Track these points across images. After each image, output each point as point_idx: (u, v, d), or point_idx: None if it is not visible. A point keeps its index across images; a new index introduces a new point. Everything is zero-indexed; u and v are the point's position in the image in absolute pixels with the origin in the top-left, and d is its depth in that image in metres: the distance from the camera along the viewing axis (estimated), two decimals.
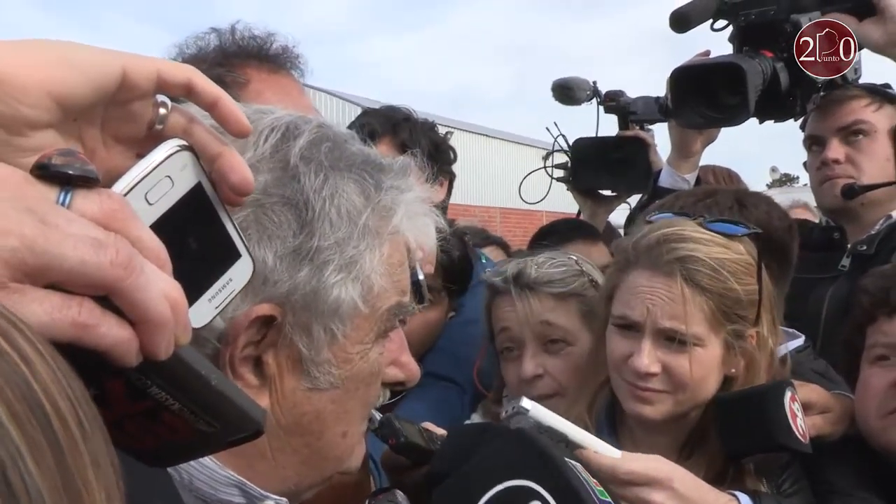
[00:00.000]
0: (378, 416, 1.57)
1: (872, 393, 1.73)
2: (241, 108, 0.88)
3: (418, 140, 2.67)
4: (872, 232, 2.52)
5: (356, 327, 0.94)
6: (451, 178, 2.85)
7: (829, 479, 1.70)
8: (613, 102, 3.12)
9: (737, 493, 1.55)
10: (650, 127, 3.18)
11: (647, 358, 1.64)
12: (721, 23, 2.47)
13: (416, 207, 0.99)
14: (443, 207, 2.87)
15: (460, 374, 2.28)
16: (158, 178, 0.68)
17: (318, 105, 1.87)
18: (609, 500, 1.04)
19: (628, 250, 1.73)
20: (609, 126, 3.22)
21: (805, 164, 2.82)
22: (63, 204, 0.56)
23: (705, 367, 1.65)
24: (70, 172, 0.57)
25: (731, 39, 2.50)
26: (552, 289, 1.97)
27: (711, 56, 2.49)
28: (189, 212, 0.70)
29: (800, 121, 2.69)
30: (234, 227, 0.78)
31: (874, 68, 2.53)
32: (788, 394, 1.61)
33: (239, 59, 1.73)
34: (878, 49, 2.27)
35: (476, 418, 2.15)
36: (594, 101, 3.14)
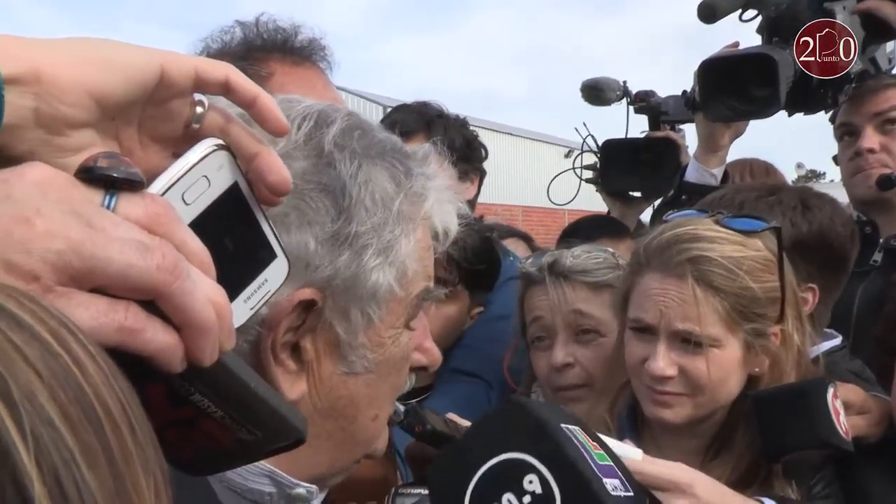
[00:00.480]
0: (402, 408, 1.56)
1: None
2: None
3: (452, 137, 2.67)
4: None
5: (390, 311, 0.95)
6: (482, 175, 2.85)
7: (864, 485, 1.65)
8: (644, 103, 3.10)
9: (763, 499, 1.51)
10: (681, 127, 3.14)
11: (663, 361, 1.61)
12: (750, 13, 2.42)
13: (442, 194, 1.00)
14: (472, 204, 2.87)
15: (486, 371, 2.27)
16: (195, 178, 0.67)
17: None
18: (610, 462, 1.02)
19: (640, 252, 1.70)
20: (638, 126, 3.20)
21: (834, 157, 2.76)
22: (108, 207, 0.56)
23: (724, 368, 1.61)
24: (115, 175, 0.57)
25: (759, 30, 2.45)
26: (587, 278, 1.97)
27: (740, 48, 2.45)
28: (225, 212, 0.70)
29: (829, 114, 2.64)
30: (270, 226, 0.77)
31: None
32: (831, 391, 1.56)
33: (263, 51, 1.72)
34: None
35: None
36: (624, 101, 3.11)
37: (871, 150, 2.46)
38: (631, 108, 3.13)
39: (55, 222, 0.52)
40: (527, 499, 0.97)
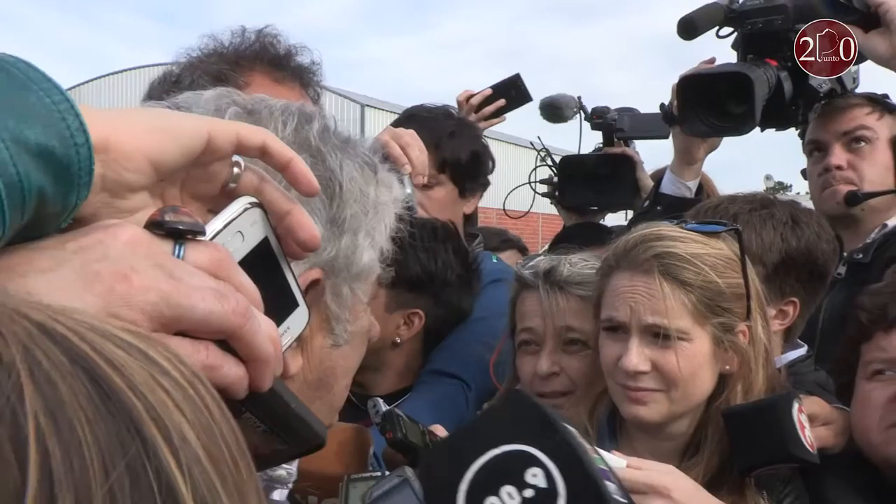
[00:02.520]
0: (384, 407, 1.58)
1: (873, 407, 1.73)
2: (250, 100, 0.97)
3: (458, 156, 2.65)
4: (868, 240, 2.54)
5: (366, 288, 1.04)
6: (485, 188, 2.83)
7: (830, 497, 1.70)
8: (600, 119, 3.20)
9: None
10: (633, 143, 3.26)
11: (636, 357, 1.65)
12: (726, 30, 2.48)
13: (400, 180, 1.11)
14: (469, 219, 2.88)
15: (466, 372, 2.28)
16: (232, 233, 0.72)
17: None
18: (606, 467, 1.01)
19: (609, 256, 1.76)
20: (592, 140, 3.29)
21: (803, 171, 2.84)
22: (178, 256, 0.63)
23: (694, 361, 1.66)
24: (181, 228, 0.64)
25: (734, 46, 2.50)
26: (581, 291, 1.96)
27: (717, 64, 2.51)
28: (256, 264, 0.75)
29: (798, 130, 2.71)
30: (294, 278, 0.83)
31: (871, 78, 2.56)
32: (796, 405, 1.62)
33: (250, 61, 1.75)
34: (884, 61, 2.29)
35: None
36: (578, 116, 3.23)
37: (839, 167, 2.53)
38: (587, 124, 3.23)
39: (147, 277, 0.59)
40: (528, 492, 0.94)
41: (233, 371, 0.64)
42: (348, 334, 1.02)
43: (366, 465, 1.57)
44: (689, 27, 2.34)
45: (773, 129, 2.61)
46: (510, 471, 0.95)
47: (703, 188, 2.80)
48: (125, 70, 29.55)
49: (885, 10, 2.24)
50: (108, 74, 32.14)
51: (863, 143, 2.55)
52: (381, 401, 1.61)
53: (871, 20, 2.27)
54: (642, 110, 3.24)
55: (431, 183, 2.59)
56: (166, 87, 1.70)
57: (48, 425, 0.40)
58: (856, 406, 1.80)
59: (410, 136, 2.10)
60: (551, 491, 0.93)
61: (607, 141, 3.24)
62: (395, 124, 2.62)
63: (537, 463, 0.95)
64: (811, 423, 1.70)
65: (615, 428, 1.81)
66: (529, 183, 3.36)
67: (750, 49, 2.44)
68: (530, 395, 1.14)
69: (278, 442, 0.75)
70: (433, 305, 2.29)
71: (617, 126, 3.17)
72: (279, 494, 1.04)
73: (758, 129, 2.48)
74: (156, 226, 0.63)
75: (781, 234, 1.97)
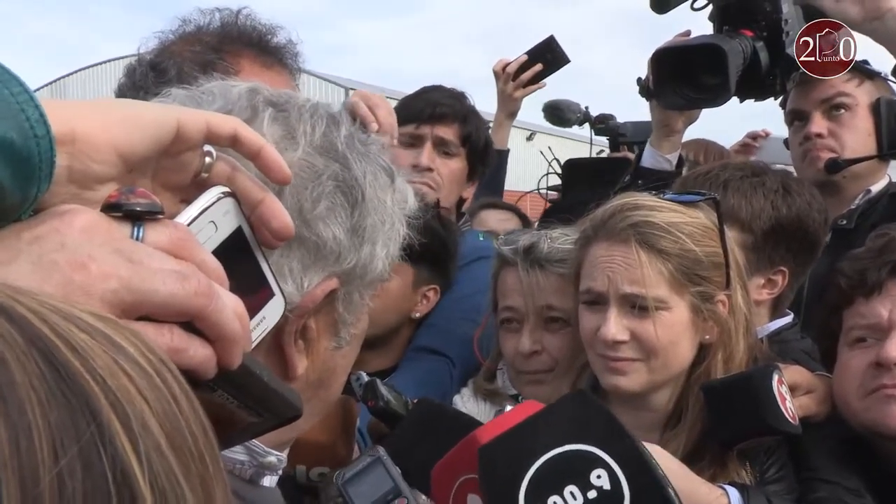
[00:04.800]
0: (366, 378, 1.59)
1: (852, 374, 1.74)
2: (278, 96, 0.95)
3: (479, 137, 2.72)
4: (852, 207, 2.55)
5: (373, 293, 1.04)
6: (483, 178, 2.91)
7: (812, 465, 1.71)
8: (603, 125, 3.25)
9: (726, 486, 1.56)
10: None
11: (614, 326, 1.65)
12: (700, 2, 2.48)
13: (408, 183, 1.08)
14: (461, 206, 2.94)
15: (451, 349, 2.30)
16: (204, 223, 0.72)
17: (301, 87, 1.88)
18: (664, 473, 1.00)
19: (587, 227, 1.76)
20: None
21: (785, 141, 2.85)
22: (137, 238, 0.62)
23: (673, 330, 1.66)
24: (139, 209, 0.63)
25: (711, 18, 2.50)
26: (561, 269, 1.94)
27: (692, 36, 2.50)
28: (230, 254, 0.74)
29: (779, 99, 2.71)
30: (269, 267, 0.82)
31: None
32: (776, 377, 1.62)
33: (236, 46, 1.73)
34: (856, 25, 2.29)
35: (466, 393, 2.16)
36: (586, 125, 3.33)
37: (820, 135, 2.54)
38: (592, 130, 3.35)
39: (106, 264, 0.59)
40: (592, 493, 0.94)
41: (199, 352, 0.63)
42: (350, 336, 1.03)
43: (352, 436, 1.58)
44: (662, 1, 2.33)
45: (753, 100, 2.60)
46: (574, 471, 0.95)
47: (684, 160, 2.80)
48: (108, 61, 29.35)
49: None
50: (91, 66, 31.95)
51: (843, 111, 2.55)
52: (363, 373, 1.62)
53: None
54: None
55: (453, 151, 2.68)
56: (153, 78, 1.67)
57: None
58: (836, 373, 1.81)
59: (379, 98, 2.13)
60: (616, 494, 0.94)
61: (613, 146, 3.32)
62: (418, 96, 2.71)
63: (603, 465, 0.95)
64: (793, 392, 1.71)
65: None
66: (538, 190, 3.49)
67: (725, 20, 2.43)
68: (595, 398, 1.11)
69: (254, 416, 0.75)
70: (444, 279, 2.35)
71: (620, 131, 3.24)
72: (269, 481, 1.04)
73: (736, 99, 2.48)
74: (113, 208, 0.62)
75: (772, 202, 1.97)
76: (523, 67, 3.09)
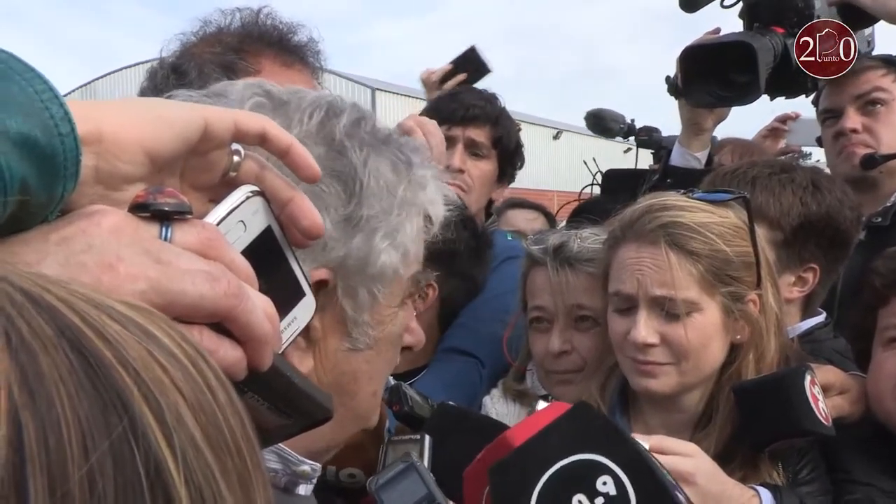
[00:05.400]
0: (391, 381, 1.59)
1: (886, 374, 1.72)
2: (285, 92, 0.95)
3: (511, 139, 2.75)
4: (888, 204, 2.51)
5: (392, 291, 1.01)
6: (511, 181, 2.92)
7: (846, 467, 1.69)
8: (646, 137, 3.34)
9: (758, 487, 1.55)
10: None
11: (644, 329, 1.64)
12: (730, 0, 2.46)
13: (435, 183, 1.06)
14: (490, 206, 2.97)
15: (480, 350, 2.29)
16: (233, 222, 0.71)
17: (327, 87, 1.87)
18: (674, 480, 1.01)
19: (616, 227, 1.74)
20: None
21: (818, 139, 2.81)
22: (165, 238, 0.61)
23: (704, 332, 1.64)
24: (167, 209, 0.62)
25: (741, 15, 2.49)
26: (590, 268, 1.93)
27: (721, 34, 2.48)
28: (260, 254, 0.73)
29: (811, 97, 2.68)
30: (300, 267, 0.81)
31: (885, 40, 2.53)
32: (808, 378, 1.59)
33: (256, 46, 1.72)
34: (872, 9, 2.26)
35: (496, 394, 2.15)
36: (630, 138, 3.40)
37: (854, 131, 2.50)
38: (635, 140, 3.43)
39: (134, 265, 0.58)
40: (599, 500, 0.96)
41: (230, 354, 0.62)
42: (371, 339, 1.00)
43: (381, 439, 1.59)
44: (691, 0, 2.32)
45: (783, 98, 2.58)
46: (581, 479, 0.98)
47: (713, 158, 2.78)
48: (138, 63, 29.67)
49: None
50: (121, 69, 32.28)
51: (878, 106, 2.51)
52: (389, 376, 1.62)
53: None
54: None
55: (484, 153, 2.70)
56: (174, 81, 1.67)
57: (23, 398, 0.38)
58: (871, 373, 1.78)
59: (433, 125, 2.13)
60: (622, 498, 0.96)
61: (656, 158, 3.37)
62: (448, 98, 2.72)
63: (607, 471, 0.97)
64: (826, 392, 1.69)
65: (626, 402, 1.81)
66: (580, 199, 3.58)
67: (755, 17, 2.41)
68: (595, 408, 1.12)
69: (283, 417, 0.74)
70: (445, 276, 2.29)
71: (663, 144, 3.26)
72: (304, 489, 1.03)
73: (767, 97, 2.46)
74: (140, 208, 0.61)
75: (801, 199, 1.95)
76: (448, 76, 3.12)
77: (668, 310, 1.63)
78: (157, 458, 0.40)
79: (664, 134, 3.39)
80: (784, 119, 3.63)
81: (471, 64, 3.08)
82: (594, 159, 3.61)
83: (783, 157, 3.98)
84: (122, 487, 0.39)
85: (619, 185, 3.27)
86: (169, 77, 1.67)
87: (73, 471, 0.37)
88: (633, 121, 3.39)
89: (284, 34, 1.76)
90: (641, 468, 0.97)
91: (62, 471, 0.37)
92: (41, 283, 0.44)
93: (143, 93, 1.70)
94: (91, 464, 0.38)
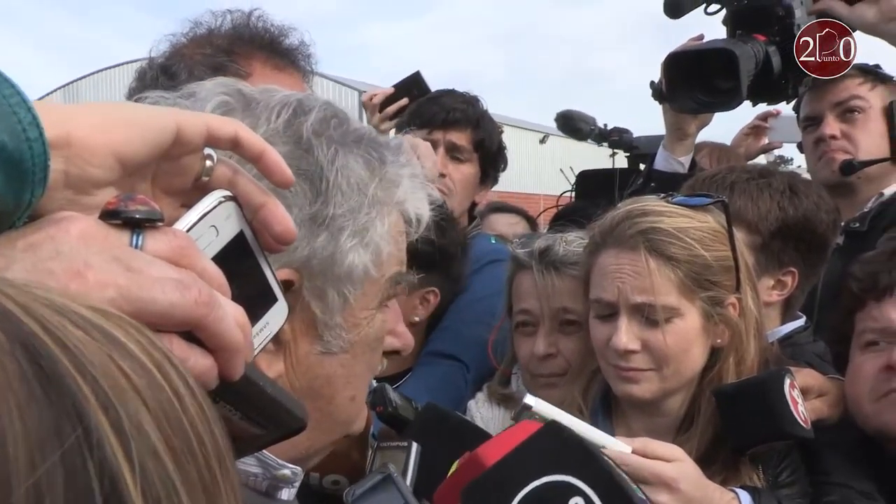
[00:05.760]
0: (374, 383, 1.59)
1: (864, 377, 1.74)
2: (256, 91, 0.94)
3: (493, 141, 2.74)
4: (865, 209, 2.55)
5: (365, 293, 0.98)
6: (494, 183, 2.91)
7: (825, 469, 1.71)
8: (618, 139, 3.36)
9: (738, 490, 1.56)
10: None
11: (625, 336, 1.65)
12: (714, 7, 2.49)
13: (415, 182, 1.04)
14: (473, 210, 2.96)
15: (465, 353, 2.29)
16: (205, 227, 0.70)
17: (316, 89, 1.86)
18: (644, 497, 1.02)
19: (596, 233, 1.75)
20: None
21: (799, 145, 2.85)
22: (136, 246, 0.60)
23: (684, 338, 1.65)
24: (138, 216, 0.61)
25: (724, 22, 2.52)
26: (576, 271, 1.93)
27: (705, 40, 2.51)
28: (232, 259, 0.73)
29: (792, 103, 2.72)
30: (272, 272, 0.80)
31: (864, 49, 2.56)
32: (788, 381, 1.61)
33: (247, 48, 1.71)
34: (871, 29, 2.29)
35: (481, 398, 2.15)
36: (604, 143, 3.44)
37: (833, 137, 2.55)
38: (605, 142, 3.45)
39: (103, 272, 0.56)
40: None
41: (200, 362, 0.60)
42: (346, 342, 0.98)
43: (366, 442, 1.59)
44: (675, 6, 2.35)
45: (765, 104, 2.62)
46: (552, 501, 0.98)
47: (696, 163, 2.81)
48: (122, 64, 29.42)
49: None
50: (105, 69, 32.04)
51: (856, 113, 2.56)
52: (372, 379, 1.62)
53: None
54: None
55: (465, 157, 2.69)
56: (164, 82, 1.66)
57: None
58: (848, 376, 1.81)
59: (427, 147, 2.13)
60: None
61: (631, 160, 3.42)
62: (429, 101, 2.74)
63: (579, 493, 0.98)
64: (805, 395, 1.71)
65: (609, 406, 1.82)
66: (557, 206, 3.58)
67: (738, 25, 2.45)
68: (562, 425, 1.12)
69: (256, 427, 0.73)
70: (444, 281, 2.31)
71: (634, 145, 3.31)
72: (287, 494, 1.02)
73: (749, 103, 2.49)
74: (111, 215, 0.60)
75: (778, 203, 1.97)
76: (390, 100, 3.12)
77: (648, 316, 1.64)
78: (112, 470, 0.39)
79: (635, 133, 3.42)
80: (765, 116, 3.67)
81: (415, 88, 3.08)
82: (571, 168, 3.63)
83: (766, 162, 4.02)
84: (72, 500, 0.38)
85: (594, 185, 3.32)
86: (158, 78, 1.65)
87: (16, 485, 0.36)
88: (605, 125, 3.42)
89: (276, 37, 1.75)
90: (612, 488, 0.98)
91: (4, 485, 0.36)
92: (1, 287, 0.43)
93: (132, 93, 1.68)
94: (38, 476, 0.37)
